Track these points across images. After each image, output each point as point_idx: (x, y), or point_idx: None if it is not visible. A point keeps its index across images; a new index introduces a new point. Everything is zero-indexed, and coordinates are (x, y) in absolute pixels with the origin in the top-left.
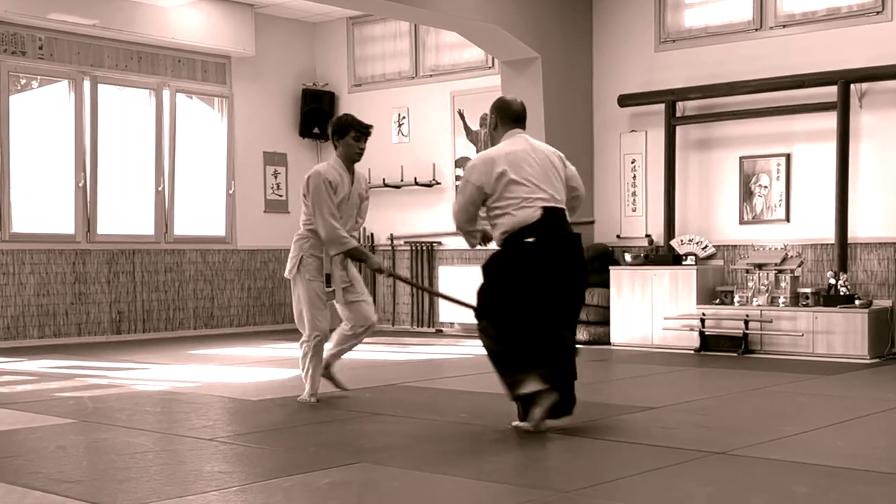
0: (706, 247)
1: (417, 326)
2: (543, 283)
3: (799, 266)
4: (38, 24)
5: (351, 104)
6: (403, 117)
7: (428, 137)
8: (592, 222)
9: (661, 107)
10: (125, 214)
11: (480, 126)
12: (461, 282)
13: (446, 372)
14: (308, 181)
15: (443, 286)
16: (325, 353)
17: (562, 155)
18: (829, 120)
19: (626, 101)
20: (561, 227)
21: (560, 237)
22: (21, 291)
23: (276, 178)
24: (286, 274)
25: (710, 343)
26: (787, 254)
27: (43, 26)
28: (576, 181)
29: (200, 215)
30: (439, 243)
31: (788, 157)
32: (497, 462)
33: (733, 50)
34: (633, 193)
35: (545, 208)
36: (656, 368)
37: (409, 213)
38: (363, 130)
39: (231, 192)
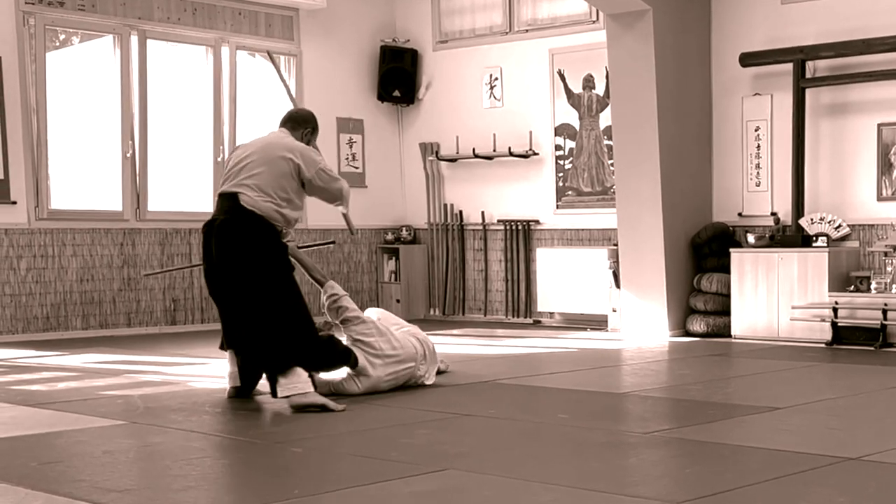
0: (839, 226)
1: (513, 317)
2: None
3: None
4: None
5: (436, 63)
6: (496, 79)
7: (524, 101)
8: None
9: (789, 66)
10: (180, 189)
11: (584, 88)
12: (560, 265)
13: (545, 368)
14: None
15: (541, 270)
16: None
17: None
18: None
19: (748, 59)
20: (219, 211)
21: (210, 222)
22: (62, 277)
23: (350, 147)
24: None
25: (843, 335)
26: None
27: None
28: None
29: None
30: (537, 222)
31: None
32: (600, 468)
33: (872, 2)
34: (757, 165)
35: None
36: (782, 364)
37: (503, 188)
38: None
39: None
